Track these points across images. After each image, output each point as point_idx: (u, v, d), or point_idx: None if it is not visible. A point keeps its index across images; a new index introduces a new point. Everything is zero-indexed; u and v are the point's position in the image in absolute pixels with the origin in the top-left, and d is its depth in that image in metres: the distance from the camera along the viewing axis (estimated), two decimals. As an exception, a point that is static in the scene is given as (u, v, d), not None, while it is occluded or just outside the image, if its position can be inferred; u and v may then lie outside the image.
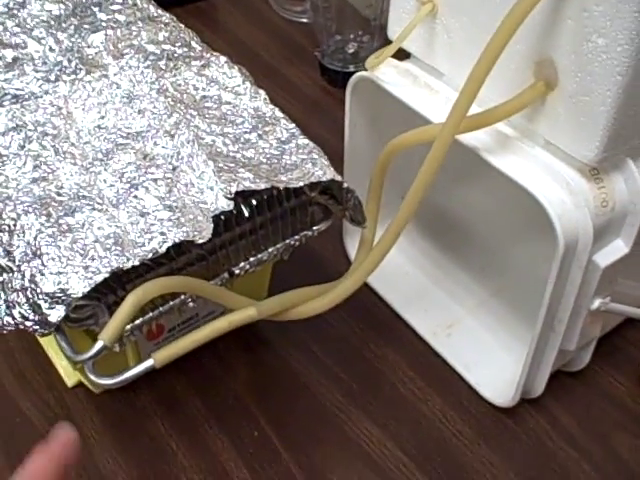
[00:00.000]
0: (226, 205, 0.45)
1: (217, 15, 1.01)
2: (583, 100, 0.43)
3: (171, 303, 0.48)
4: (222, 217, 0.46)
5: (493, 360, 0.59)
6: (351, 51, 0.83)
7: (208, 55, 0.56)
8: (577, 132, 0.44)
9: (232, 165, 0.47)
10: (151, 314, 0.48)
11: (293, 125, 0.51)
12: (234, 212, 0.47)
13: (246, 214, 0.47)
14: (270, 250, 0.51)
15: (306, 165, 0.48)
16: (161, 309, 0.48)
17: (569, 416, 0.57)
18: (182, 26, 0.59)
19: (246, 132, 0.50)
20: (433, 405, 0.58)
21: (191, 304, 0.49)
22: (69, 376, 0.58)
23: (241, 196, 0.47)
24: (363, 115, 0.58)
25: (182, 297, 0.48)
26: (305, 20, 0.87)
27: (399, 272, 0.66)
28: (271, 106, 0.52)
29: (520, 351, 0.53)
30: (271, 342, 0.62)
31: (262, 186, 0.46)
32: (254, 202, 0.47)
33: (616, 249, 0.49)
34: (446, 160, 0.46)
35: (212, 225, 0.45)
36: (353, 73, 0.56)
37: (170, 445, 0.55)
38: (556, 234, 0.44)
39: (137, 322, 0.47)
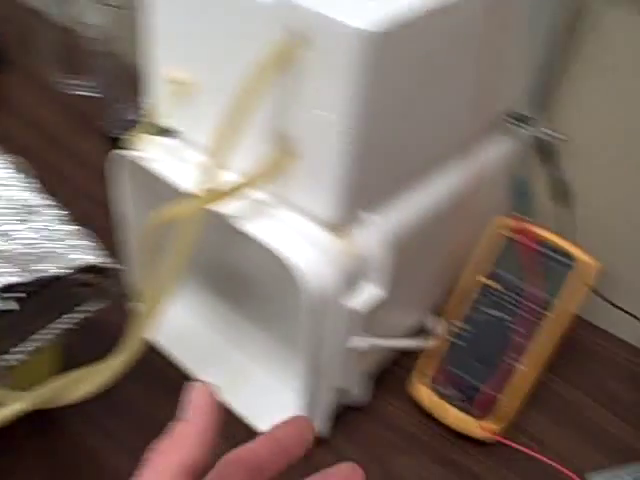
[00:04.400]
0: (-15, 302, 0.45)
1: (5, 93, 0.99)
2: (319, 167, 0.47)
3: None
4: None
5: (282, 407, 0.61)
6: (134, 119, 0.84)
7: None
8: (318, 194, 0.48)
9: (-10, 260, 0.47)
10: None
11: (57, 212, 0.51)
12: (-2, 306, 0.46)
13: (11, 308, 0.47)
14: (43, 337, 0.50)
15: (67, 251, 0.49)
16: None
17: (355, 449, 0.60)
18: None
19: (10, 223, 0.50)
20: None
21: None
22: None
23: (4, 290, 0.46)
24: (131, 189, 0.59)
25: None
26: (88, 93, 0.87)
27: (188, 331, 0.68)
28: (39, 194, 0.52)
29: (303, 395, 0.56)
30: (66, 424, 0.60)
31: (23, 278, 0.46)
32: (17, 294, 0.47)
33: (369, 293, 0.53)
34: (216, 222, 0.48)
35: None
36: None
37: None
38: (303, 286, 0.48)
39: None
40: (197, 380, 0.31)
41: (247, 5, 0.46)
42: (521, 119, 0.60)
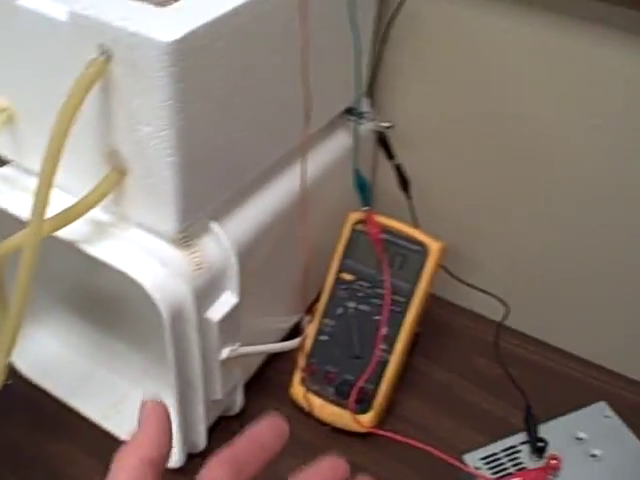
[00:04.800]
0: None
1: None
2: (150, 181, 0.47)
3: None
4: None
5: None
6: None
7: None
8: (155, 209, 0.48)
9: None
10: None
11: None
12: None
13: None
14: None
15: None
16: None
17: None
18: None
19: None
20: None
21: None
22: None
23: None
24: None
25: None
26: None
27: (61, 362, 0.67)
28: None
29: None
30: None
31: None
32: None
33: (226, 301, 0.53)
34: (68, 248, 0.48)
35: None
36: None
37: None
38: (157, 305, 0.48)
39: None
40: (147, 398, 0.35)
41: (45, 26, 0.46)
42: (357, 114, 0.61)
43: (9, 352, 0.50)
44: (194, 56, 0.43)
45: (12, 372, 0.51)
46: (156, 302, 0.48)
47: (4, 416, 0.58)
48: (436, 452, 0.58)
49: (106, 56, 0.43)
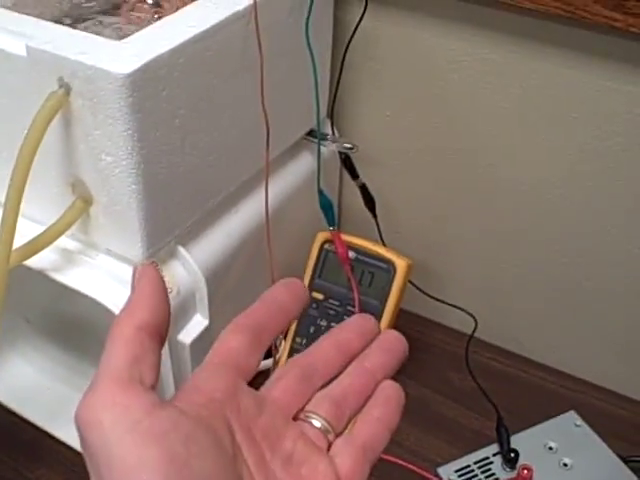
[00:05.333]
0: None
1: None
2: (116, 209, 0.48)
3: None
4: None
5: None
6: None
7: None
8: (121, 236, 0.49)
9: None
10: None
11: None
12: None
13: None
14: None
15: None
16: None
17: None
18: None
19: None
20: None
21: None
22: None
23: None
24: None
25: None
26: None
27: (38, 388, 0.67)
28: None
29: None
30: None
31: None
32: None
33: (197, 324, 0.54)
34: (38, 276, 0.49)
35: None
36: None
37: None
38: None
39: None
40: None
41: (4, 61, 0.47)
42: (320, 136, 0.62)
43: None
44: (151, 86, 0.44)
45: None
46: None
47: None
48: (410, 466, 0.59)
49: (65, 89, 0.44)
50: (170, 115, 0.47)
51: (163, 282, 0.30)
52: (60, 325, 0.67)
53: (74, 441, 0.63)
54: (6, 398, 0.65)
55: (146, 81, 0.44)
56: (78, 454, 0.61)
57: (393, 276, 0.62)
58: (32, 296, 0.60)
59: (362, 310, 0.61)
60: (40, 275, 0.51)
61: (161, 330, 0.29)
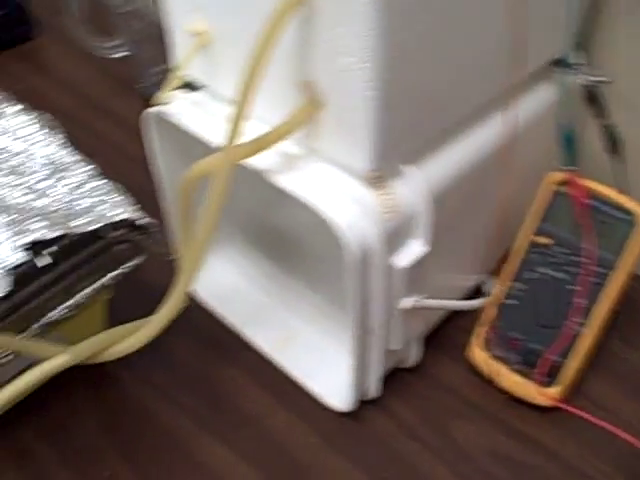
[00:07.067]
0: (20, 258, 0.45)
1: (42, 56, 1.01)
2: (348, 116, 0.45)
3: (-16, 360, 0.48)
4: (21, 269, 0.46)
5: (332, 367, 0.61)
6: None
7: (3, 105, 0.56)
8: (350, 145, 0.46)
9: (24, 216, 0.47)
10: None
11: (90, 167, 0.52)
12: (34, 263, 0.47)
13: (46, 263, 0.48)
14: (83, 293, 0.51)
15: (101, 206, 0.49)
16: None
17: (410, 411, 0.59)
18: (-21, 77, 0.59)
19: (40, 180, 0.51)
20: (280, 419, 0.59)
21: (6, 359, 0.49)
22: None
23: (39, 246, 0.47)
24: (166, 147, 0.59)
25: (-5, 353, 0.48)
26: (122, 54, 0.88)
27: (236, 290, 0.68)
28: (69, 150, 0.53)
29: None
30: (116, 378, 0.62)
31: (56, 234, 0.46)
32: (53, 250, 0.48)
33: (413, 249, 0.51)
34: (252, 178, 0.48)
35: (9, 279, 0.45)
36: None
37: (22, 497, 0.55)
38: (346, 244, 0.46)
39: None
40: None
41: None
42: (566, 65, 0.56)
43: (192, 279, 0.50)
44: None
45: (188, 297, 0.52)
46: (345, 241, 0.46)
47: (177, 338, 0.60)
48: (629, 438, 0.53)
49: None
50: (420, 19, 0.42)
51: None
52: (265, 232, 0.66)
53: (266, 347, 0.63)
54: (206, 296, 0.66)
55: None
56: (267, 361, 0.61)
57: (634, 229, 0.55)
58: (241, 199, 0.59)
59: (594, 263, 0.55)
60: (253, 177, 0.49)
61: None
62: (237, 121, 0.45)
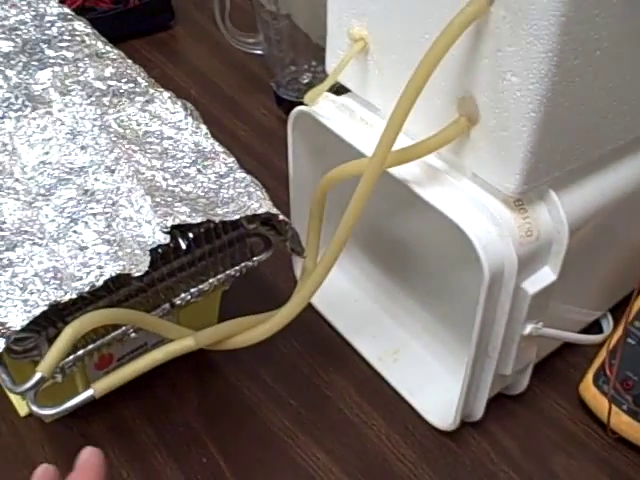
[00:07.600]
0: (162, 239, 0.46)
1: (177, 46, 1.03)
2: (502, 135, 0.45)
3: (113, 334, 0.49)
4: (160, 250, 0.47)
5: (437, 384, 0.61)
6: (305, 81, 0.84)
7: (153, 91, 0.58)
8: (499, 165, 0.46)
9: (170, 199, 0.48)
10: (92, 345, 0.49)
11: (232, 159, 0.53)
12: (172, 245, 0.48)
13: (184, 247, 0.49)
14: (210, 281, 0.52)
15: (242, 198, 0.50)
16: (103, 340, 0.49)
17: (510, 438, 0.58)
18: (129, 62, 0.61)
19: (185, 166, 0.52)
20: (378, 429, 0.59)
21: (133, 335, 0.50)
22: (21, 406, 0.59)
23: (179, 229, 0.48)
24: (304, 147, 0.60)
25: (123, 328, 0.49)
26: (259, 52, 0.89)
27: (347, 298, 0.68)
28: (211, 140, 0.54)
29: (461, 376, 0.54)
30: (221, 368, 0.63)
31: (198, 220, 0.47)
32: (191, 235, 0.49)
33: (544, 276, 0.50)
34: (384, 189, 0.48)
35: (149, 258, 0.46)
36: (307, 104, 0.57)
37: (121, 473, 0.56)
38: (481, 263, 0.46)
39: (79, 353, 0.48)
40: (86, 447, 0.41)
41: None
42: None
43: (321, 280, 0.51)
44: (586, 8, 0.40)
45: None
46: (481, 260, 0.46)
47: (285, 337, 0.60)
48: None
49: (491, -3, 0.41)
50: (594, 44, 0.42)
51: (102, 465, 0.38)
52: (385, 245, 0.66)
53: (372, 357, 0.63)
54: (317, 300, 0.66)
55: (583, 1, 0.39)
56: (370, 367, 0.61)
57: None
58: (367, 211, 0.59)
59: None
60: (391, 188, 0.49)
61: None
62: (392, 129, 0.45)
